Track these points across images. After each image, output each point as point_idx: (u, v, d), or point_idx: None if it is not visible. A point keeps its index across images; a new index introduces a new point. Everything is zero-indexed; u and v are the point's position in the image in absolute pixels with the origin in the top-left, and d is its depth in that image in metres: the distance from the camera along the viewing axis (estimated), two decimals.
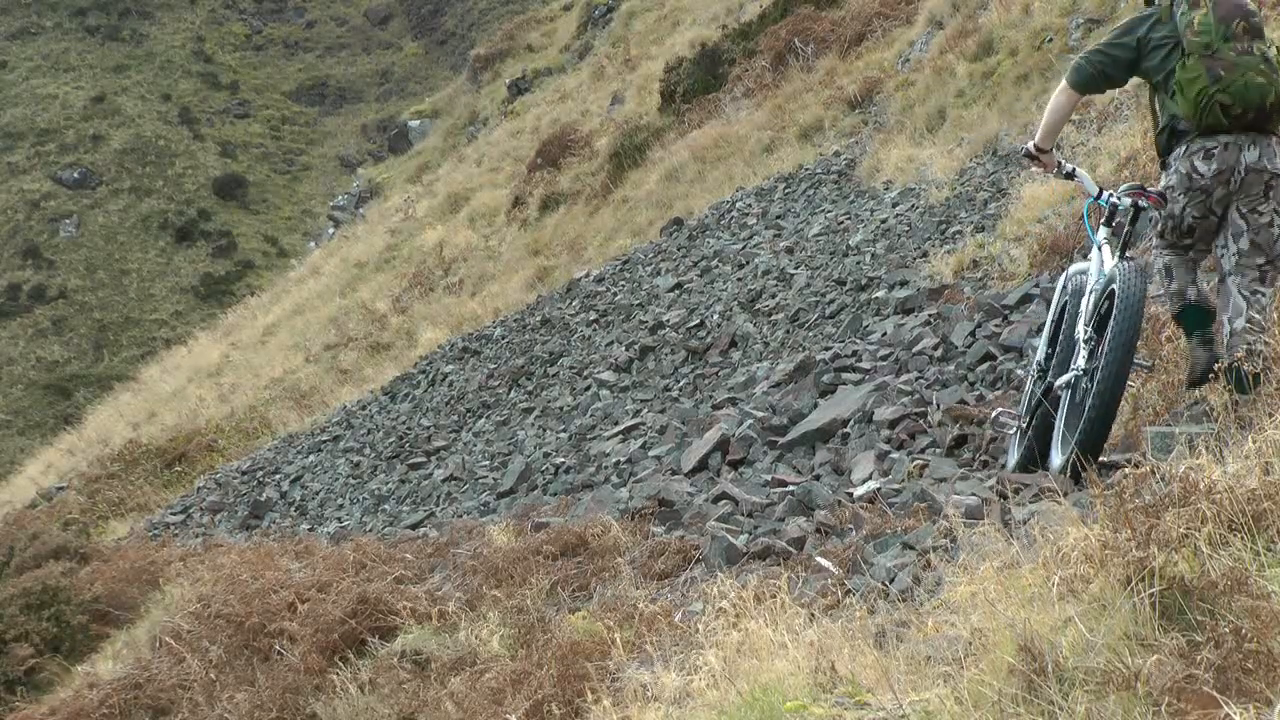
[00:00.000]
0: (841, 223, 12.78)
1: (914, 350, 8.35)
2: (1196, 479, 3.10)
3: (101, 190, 63.86)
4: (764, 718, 3.31)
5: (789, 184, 15.29)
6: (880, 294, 10.20)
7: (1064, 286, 5.74)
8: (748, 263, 13.07)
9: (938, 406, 7.10)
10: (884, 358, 8.56)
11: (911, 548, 4.72)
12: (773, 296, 11.65)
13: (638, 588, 5.69)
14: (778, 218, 14.29)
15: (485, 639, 5.80)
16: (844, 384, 8.34)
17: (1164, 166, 5.23)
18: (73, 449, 25.26)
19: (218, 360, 26.76)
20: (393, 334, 21.18)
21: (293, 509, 14.03)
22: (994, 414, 6.04)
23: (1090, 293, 5.39)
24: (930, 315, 9.01)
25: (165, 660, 8.19)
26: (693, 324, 12.10)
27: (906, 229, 11.55)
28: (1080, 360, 5.26)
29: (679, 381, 11.09)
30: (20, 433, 47.30)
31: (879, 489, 6.04)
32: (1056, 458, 5.30)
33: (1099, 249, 5.53)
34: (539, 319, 15.65)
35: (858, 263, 11.25)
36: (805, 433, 7.69)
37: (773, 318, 11.17)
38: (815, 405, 8.16)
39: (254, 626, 7.28)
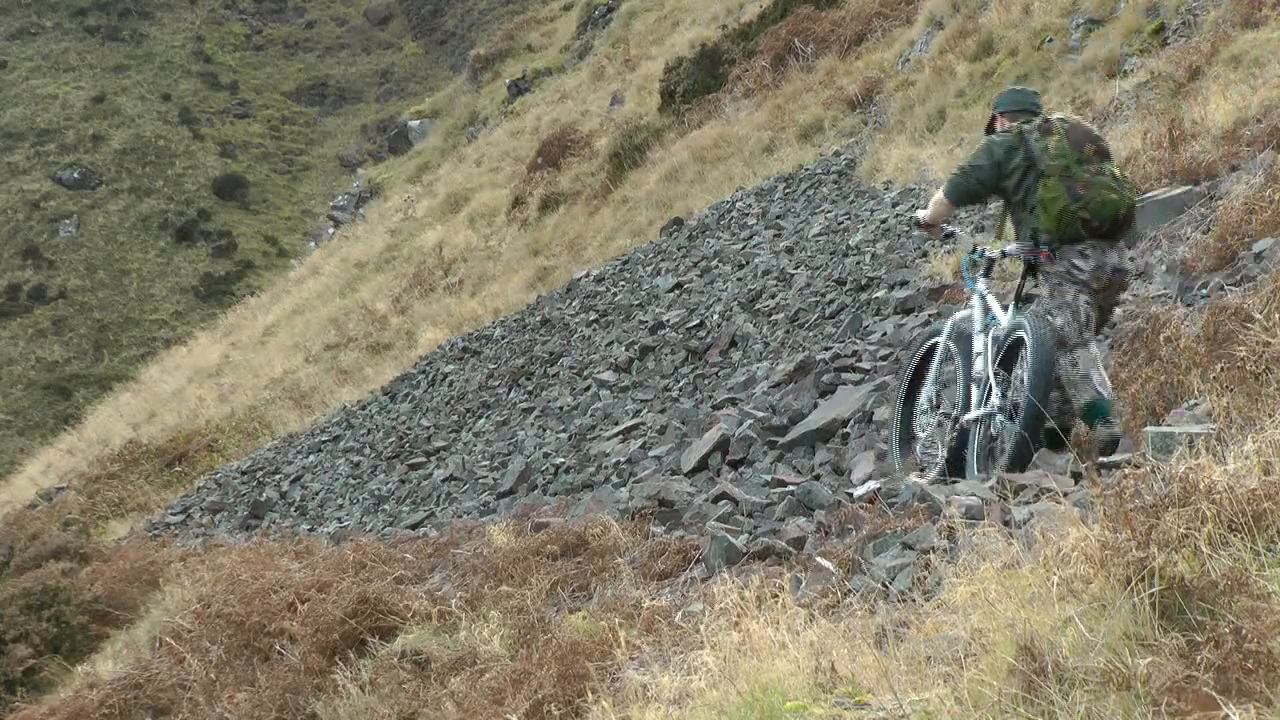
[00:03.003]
0: (841, 223, 12.78)
1: None
2: (1196, 479, 3.10)
3: (101, 190, 63.86)
4: (764, 718, 3.31)
5: (789, 184, 15.28)
6: (880, 294, 10.20)
7: (950, 331, 6.36)
8: (748, 263, 13.06)
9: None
10: (884, 358, 8.56)
11: (911, 548, 4.71)
12: (773, 296, 11.65)
13: (638, 588, 5.68)
14: (778, 218, 14.29)
15: (485, 639, 5.80)
16: (844, 384, 8.33)
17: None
18: (73, 449, 25.26)
19: (218, 360, 26.76)
20: (393, 334, 21.18)
21: (293, 509, 14.03)
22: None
23: (990, 337, 6.06)
24: (930, 315, 9.01)
25: (165, 660, 8.19)
26: (693, 324, 12.10)
27: (906, 229, 11.55)
28: (994, 398, 5.83)
29: (679, 381, 11.09)
30: (20, 433, 47.30)
31: (879, 489, 6.04)
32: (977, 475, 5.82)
33: (980, 297, 6.23)
34: (539, 319, 15.65)
35: (858, 263, 11.25)
36: (805, 433, 7.69)
37: (773, 318, 11.16)
38: (815, 405, 8.16)
39: (254, 626, 7.27)
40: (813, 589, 4.68)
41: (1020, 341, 5.79)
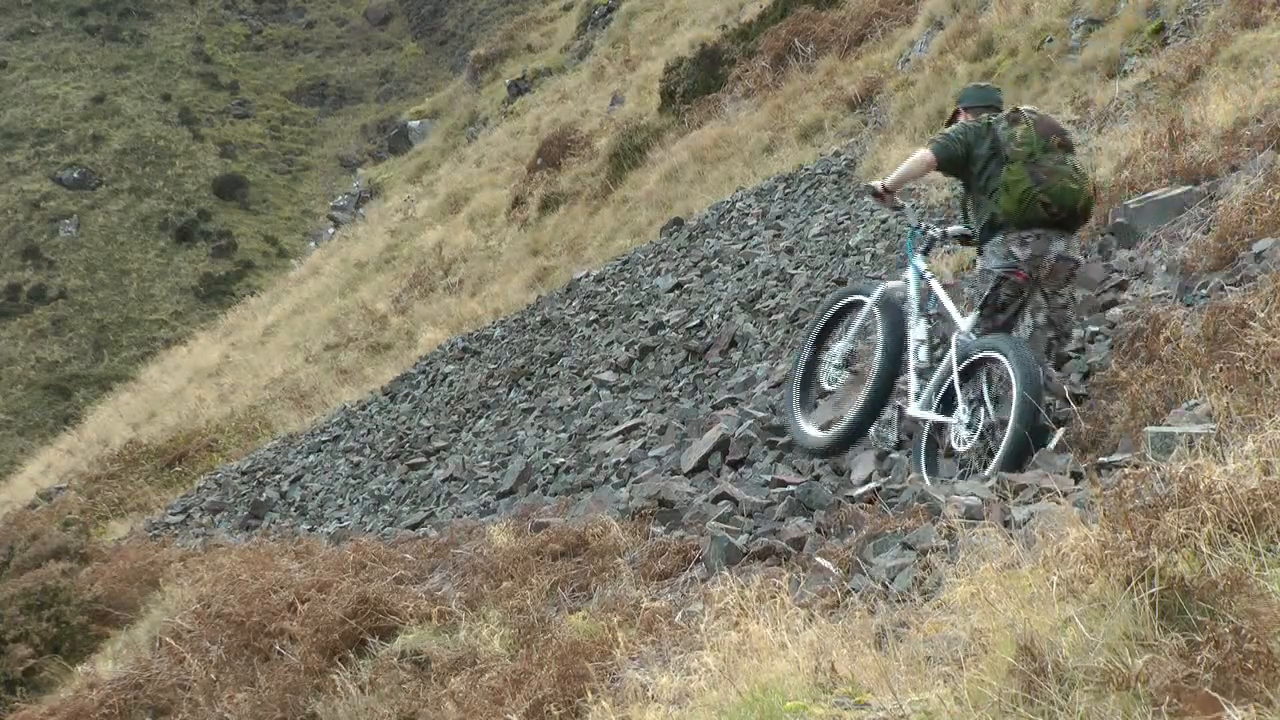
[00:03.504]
0: (841, 223, 12.78)
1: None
2: (1196, 479, 3.10)
3: (101, 190, 63.87)
4: (764, 718, 3.31)
5: (789, 184, 15.28)
6: None
7: (879, 298, 6.54)
8: (748, 263, 13.06)
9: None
10: None
11: (911, 548, 4.71)
12: (773, 296, 11.65)
13: (638, 588, 5.68)
14: (778, 218, 14.29)
15: (485, 639, 5.80)
16: None
17: (981, 254, 6.23)
18: (73, 449, 25.24)
19: (218, 360, 26.74)
20: (393, 334, 21.17)
21: (293, 509, 14.03)
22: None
23: (948, 337, 6.21)
24: (930, 315, 8.99)
25: (165, 660, 8.19)
26: (693, 324, 12.10)
27: (907, 229, 11.54)
28: (960, 413, 5.86)
29: (679, 381, 11.09)
30: (20, 433, 47.31)
31: (879, 489, 6.04)
32: (925, 477, 5.84)
33: (918, 274, 6.47)
34: (539, 319, 15.65)
35: (858, 263, 11.25)
36: None
37: (773, 318, 11.17)
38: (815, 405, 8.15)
39: (254, 626, 7.27)
40: (813, 589, 4.68)
41: (989, 360, 5.82)
